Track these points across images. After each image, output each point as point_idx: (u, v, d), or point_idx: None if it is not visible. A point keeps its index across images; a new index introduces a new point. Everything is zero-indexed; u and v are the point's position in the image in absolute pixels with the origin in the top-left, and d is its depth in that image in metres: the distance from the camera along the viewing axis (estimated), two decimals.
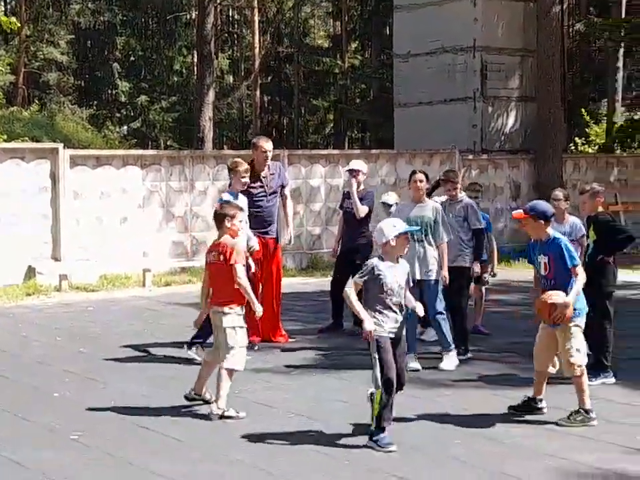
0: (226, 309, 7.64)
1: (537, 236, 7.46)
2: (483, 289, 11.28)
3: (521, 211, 7.58)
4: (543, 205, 7.56)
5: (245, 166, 9.82)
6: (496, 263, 11.46)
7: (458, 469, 6.27)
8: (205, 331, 8.88)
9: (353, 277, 7.00)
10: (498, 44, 22.69)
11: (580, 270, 7.33)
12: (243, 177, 9.77)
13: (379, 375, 6.65)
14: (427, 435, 7.04)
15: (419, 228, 8.92)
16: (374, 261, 6.89)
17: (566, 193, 10.04)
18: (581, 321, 7.40)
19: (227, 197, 9.61)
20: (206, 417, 7.47)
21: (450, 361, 9.38)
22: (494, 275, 11.35)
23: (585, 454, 6.56)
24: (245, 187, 9.89)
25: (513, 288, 15.03)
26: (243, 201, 9.69)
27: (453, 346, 9.44)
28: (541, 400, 7.57)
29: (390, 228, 6.90)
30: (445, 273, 9.42)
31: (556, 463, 6.36)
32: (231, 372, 7.57)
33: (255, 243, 9.92)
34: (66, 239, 16.04)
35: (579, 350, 7.33)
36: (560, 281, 7.28)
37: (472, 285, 10.58)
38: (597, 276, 8.66)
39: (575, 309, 7.26)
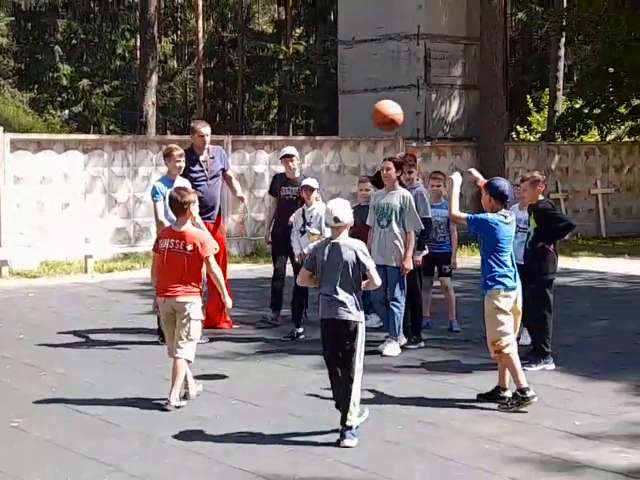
0: (194, 299, 7.56)
1: None
2: (447, 281, 10.88)
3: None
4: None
5: (179, 151, 9.79)
6: (456, 254, 11.01)
7: (400, 453, 6.33)
8: None
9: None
10: (442, 32, 22.79)
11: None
12: (178, 162, 9.71)
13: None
14: (369, 420, 7.09)
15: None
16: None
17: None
18: (502, 298, 7.50)
19: (159, 185, 9.62)
20: (145, 402, 7.47)
21: (394, 347, 9.43)
22: (454, 266, 10.90)
23: (522, 438, 6.66)
24: (181, 171, 9.81)
25: (456, 275, 15.13)
26: (183, 184, 9.66)
27: (399, 336, 9.47)
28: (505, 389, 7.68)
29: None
30: (405, 262, 9.36)
31: (495, 446, 6.45)
32: (187, 362, 7.51)
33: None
34: (6, 225, 15.84)
35: (501, 330, 7.46)
36: None
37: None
38: (537, 263, 8.79)
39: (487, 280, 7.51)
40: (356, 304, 6.62)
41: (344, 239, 6.66)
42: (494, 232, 7.54)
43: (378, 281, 6.75)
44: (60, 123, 34.55)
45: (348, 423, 6.48)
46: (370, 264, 6.67)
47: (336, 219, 6.62)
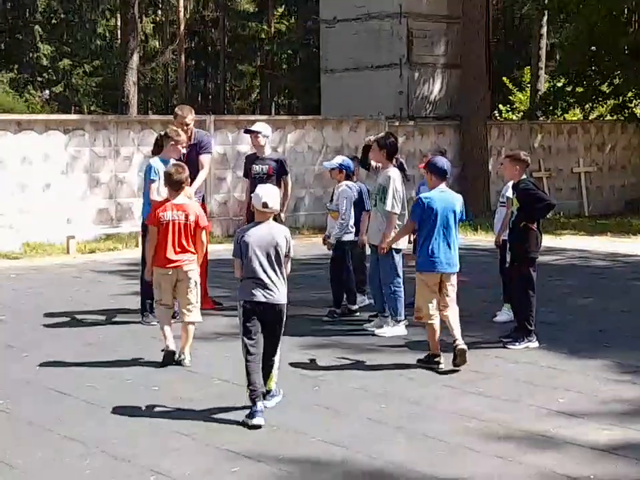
0: (195, 266, 8.14)
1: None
2: None
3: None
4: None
5: (184, 136, 9.64)
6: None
7: (383, 431, 6.34)
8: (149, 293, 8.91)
9: None
10: (424, 10, 22.71)
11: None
12: (183, 147, 9.57)
13: None
14: (352, 399, 7.09)
15: None
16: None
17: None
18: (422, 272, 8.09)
19: (155, 162, 9.46)
20: (128, 383, 7.46)
21: (387, 328, 9.36)
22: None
23: (506, 415, 6.67)
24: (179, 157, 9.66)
25: None
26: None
27: (396, 319, 9.36)
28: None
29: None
30: (381, 242, 9.20)
31: (478, 424, 6.47)
32: (193, 324, 8.12)
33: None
34: None
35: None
36: None
37: None
38: (520, 242, 8.81)
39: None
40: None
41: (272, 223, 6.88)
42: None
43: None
44: (40, 103, 34.32)
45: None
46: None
47: (264, 205, 6.74)
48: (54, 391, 7.32)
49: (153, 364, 8.15)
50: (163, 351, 8.10)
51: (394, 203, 9.20)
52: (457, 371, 7.87)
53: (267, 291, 6.69)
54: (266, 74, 41.87)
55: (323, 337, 9.10)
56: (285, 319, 6.84)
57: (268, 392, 6.87)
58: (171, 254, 8.06)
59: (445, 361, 7.97)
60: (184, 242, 8.08)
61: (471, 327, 8.30)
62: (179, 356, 8.06)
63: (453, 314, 8.09)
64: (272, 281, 6.70)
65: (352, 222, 10.14)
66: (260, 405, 6.51)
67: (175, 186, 8.14)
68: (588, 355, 8.53)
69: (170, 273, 8.08)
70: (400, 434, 6.29)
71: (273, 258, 6.71)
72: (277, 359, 6.96)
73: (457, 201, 8.17)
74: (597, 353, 8.57)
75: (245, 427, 6.39)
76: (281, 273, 6.77)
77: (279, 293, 6.73)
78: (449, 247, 8.05)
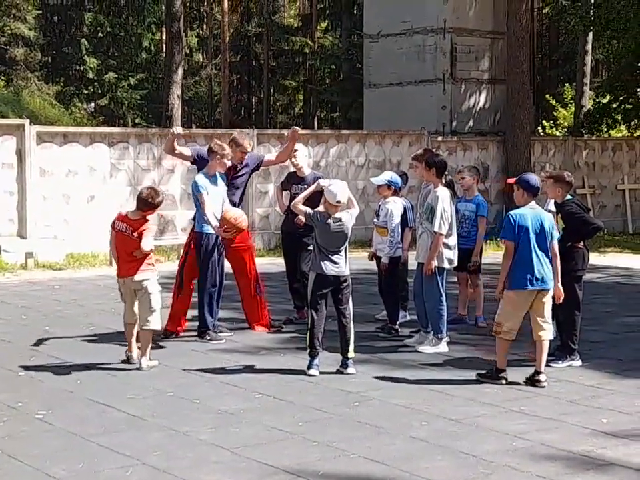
0: (150, 274, 8.55)
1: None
2: (475, 277, 10.79)
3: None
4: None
5: (228, 150, 9.60)
6: (479, 251, 10.78)
7: (425, 449, 6.29)
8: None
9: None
10: (468, 25, 22.69)
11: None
12: (228, 160, 9.56)
13: None
14: (395, 416, 7.05)
15: None
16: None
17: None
18: None
19: (200, 178, 9.44)
20: (169, 395, 7.47)
21: (428, 345, 9.32)
22: (474, 264, 10.65)
23: (549, 435, 6.59)
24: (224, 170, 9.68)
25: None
26: (221, 183, 9.62)
27: (438, 336, 9.31)
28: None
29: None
30: (428, 262, 9.22)
31: (521, 443, 6.39)
32: (153, 332, 8.57)
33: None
34: (32, 217, 15.91)
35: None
36: None
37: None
38: (566, 260, 8.70)
39: None
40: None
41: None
42: None
43: None
44: (86, 116, 34.64)
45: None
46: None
47: (338, 201, 8.23)
48: (95, 402, 7.36)
49: (195, 377, 8.17)
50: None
51: (441, 223, 9.17)
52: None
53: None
54: (309, 88, 41.98)
55: (363, 353, 9.06)
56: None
57: None
58: (122, 264, 8.58)
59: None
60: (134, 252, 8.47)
61: (515, 343, 8.22)
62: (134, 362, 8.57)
63: (547, 337, 8.05)
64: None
65: (398, 238, 10.14)
66: None
67: (139, 205, 8.59)
68: (632, 374, 8.42)
69: (124, 282, 8.58)
70: (442, 452, 6.23)
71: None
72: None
73: (546, 217, 8.09)
74: None
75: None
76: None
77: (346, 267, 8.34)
78: (542, 264, 7.95)
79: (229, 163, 9.65)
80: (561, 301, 8.21)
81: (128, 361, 8.61)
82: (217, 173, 9.58)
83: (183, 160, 11.09)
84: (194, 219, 9.90)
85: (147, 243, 8.40)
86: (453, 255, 9.43)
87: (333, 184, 8.36)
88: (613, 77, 25.61)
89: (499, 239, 8.27)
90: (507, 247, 8.02)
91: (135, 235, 8.45)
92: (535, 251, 7.92)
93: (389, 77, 23.36)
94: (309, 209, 8.42)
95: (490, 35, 22.96)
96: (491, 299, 11.58)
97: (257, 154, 10.79)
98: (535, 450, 6.29)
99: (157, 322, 8.55)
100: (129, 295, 8.63)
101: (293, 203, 8.83)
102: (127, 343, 8.71)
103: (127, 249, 8.52)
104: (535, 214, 8.02)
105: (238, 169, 10.06)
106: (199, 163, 9.88)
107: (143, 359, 8.46)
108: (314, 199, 8.76)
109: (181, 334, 9.91)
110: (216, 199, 9.48)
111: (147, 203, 8.53)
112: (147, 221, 8.59)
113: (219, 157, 9.45)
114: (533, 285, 7.92)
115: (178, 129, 10.29)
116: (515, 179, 8.36)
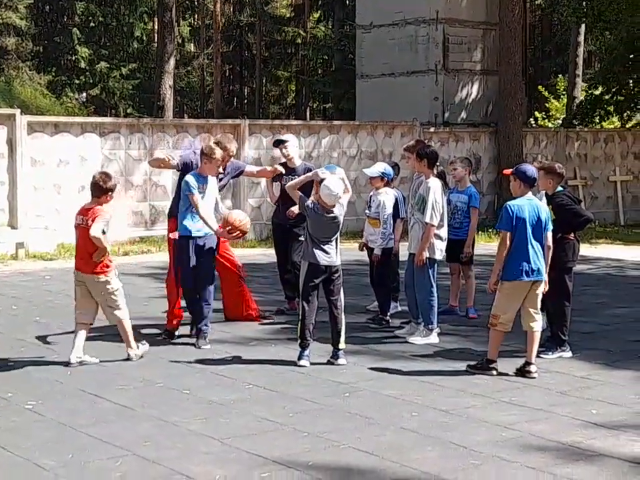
0: (110, 274, 8.38)
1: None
2: (466, 268, 10.80)
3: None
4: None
5: (221, 153, 9.41)
6: (471, 242, 10.79)
7: (415, 440, 6.29)
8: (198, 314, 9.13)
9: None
10: (460, 16, 22.66)
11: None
12: (219, 165, 9.37)
13: None
14: (384, 407, 7.05)
15: None
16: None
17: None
18: None
19: (190, 178, 9.18)
20: (159, 387, 7.46)
21: (419, 336, 9.32)
22: (466, 255, 10.66)
23: (539, 426, 6.60)
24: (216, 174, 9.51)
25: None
26: (214, 184, 9.39)
27: (428, 327, 9.31)
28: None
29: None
30: (419, 253, 9.20)
31: (511, 434, 6.40)
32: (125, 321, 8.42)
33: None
34: (23, 207, 15.87)
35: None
36: None
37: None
38: (557, 251, 8.71)
39: None
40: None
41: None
42: None
43: None
44: (77, 106, 34.54)
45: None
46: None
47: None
48: (85, 392, 7.35)
49: (185, 368, 8.17)
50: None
51: (433, 214, 9.17)
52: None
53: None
54: (301, 79, 41.93)
55: (354, 344, 9.06)
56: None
57: None
58: (80, 260, 8.30)
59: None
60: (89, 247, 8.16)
61: (505, 335, 8.23)
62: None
63: (538, 328, 8.06)
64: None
65: (391, 229, 10.14)
66: None
67: (93, 191, 8.29)
68: (622, 365, 8.44)
69: (81, 276, 8.32)
70: (432, 443, 6.24)
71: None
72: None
73: (543, 208, 8.09)
74: (631, 364, 8.48)
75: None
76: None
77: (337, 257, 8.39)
78: (537, 255, 7.96)
79: (220, 169, 9.47)
80: (544, 291, 8.21)
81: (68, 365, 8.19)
82: (208, 176, 9.34)
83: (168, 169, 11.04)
84: (171, 213, 9.70)
85: (96, 228, 8.01)
86: (444, 246, 9.44)
87: (330, 182, 8.18)
88: (605, 69, 25.59)
89: (496, 229, 8.21)
90: (502, 238, 8.00)
91: (90, 223, 8.11)
92: (531, 242, 7.92)
93: (381, 68, 23.33)
94: (306, 199, 8.39)
95: (482, 26, 22.93)
96: (483, 289, 11.61)
97: (239, 162, 10.65)
98: (525, 441, 6.30)
99: (124, 312, 8.43)
100: (81, 290, 8.39)
101: (288, 184, 8.78)
102: (119, 336, 8.57)
103: (87, 247, 8.17)
104: (532, 205, 8.01)
105: (218, 175, 9.86)
106: (184, 171, 9.56)
107: (129, 350, 8.37)
108: (306, 187, 8.74)
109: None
110: (208, 199, 9.23)
111: (99, 186, 8.20)
112: (101, 207, 8.23)
113: (208, 159, 9.10)
114: (529, 276, 7.93)
115: (171, 156, 10.13)
116: (511, 169, 8.31)
